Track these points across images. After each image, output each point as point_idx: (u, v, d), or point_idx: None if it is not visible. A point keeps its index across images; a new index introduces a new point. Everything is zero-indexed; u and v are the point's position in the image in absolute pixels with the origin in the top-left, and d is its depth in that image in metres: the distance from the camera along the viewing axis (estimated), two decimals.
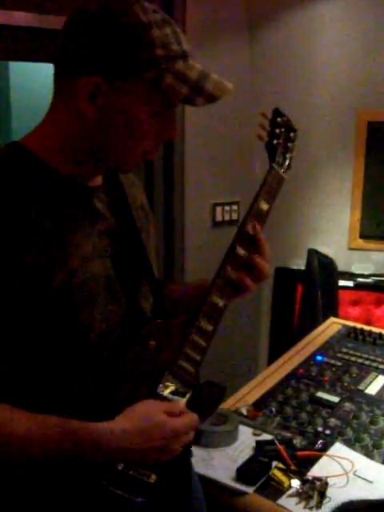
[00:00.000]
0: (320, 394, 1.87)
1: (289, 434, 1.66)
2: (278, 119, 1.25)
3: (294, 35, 3.13)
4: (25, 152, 1.05)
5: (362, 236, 3.19)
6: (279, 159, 1.26)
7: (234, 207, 3.18)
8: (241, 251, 1.18)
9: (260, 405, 1.83)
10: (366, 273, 3.19)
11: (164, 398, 1.08)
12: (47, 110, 1.09)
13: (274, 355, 2.82)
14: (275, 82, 3.18)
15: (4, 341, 0.99)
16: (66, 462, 1.00)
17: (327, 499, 1.42)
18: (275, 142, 1.25)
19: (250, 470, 1.50)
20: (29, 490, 1.03)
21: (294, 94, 3.12)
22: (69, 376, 1.03)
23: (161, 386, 1.09)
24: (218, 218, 3.14)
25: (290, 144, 1.28)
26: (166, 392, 1.09)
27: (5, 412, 0.98)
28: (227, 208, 3.15)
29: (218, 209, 3.13)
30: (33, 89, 4.96)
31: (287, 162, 1.28)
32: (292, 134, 1.28)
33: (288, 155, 1.28)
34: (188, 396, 1.11)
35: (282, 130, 1.26)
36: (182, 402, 1.11)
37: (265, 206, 1.22)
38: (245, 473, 1.49)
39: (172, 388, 1.10)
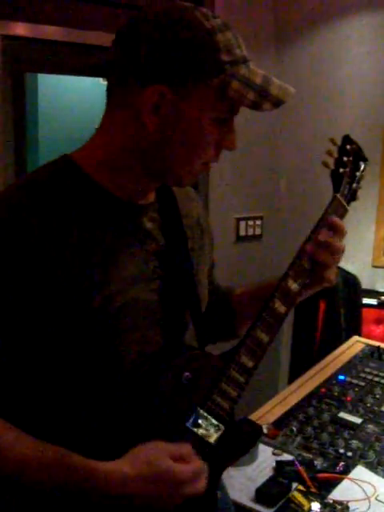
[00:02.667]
0: (342, 415, 1.83)
1: (310, 455, 1.63)
2: (348, 146, 1.20)
3: (321, 52, 3.13)
4: (73, 167, 1.02)
5: None
6: (344, 189, 1.20)
7: (258, 222, 3.17)
8: (292, 285, 1.12)
9: (280, 424, 1.81)
10: None
11: (193, 434, 1.03)
12: (99, 124, 1.05)
13: (294, 373, 2.79)
14: (301, 97, 3.16)
15: (33, 358, 0.96)
16: (63, 496, 0.94)
17: None
18: (342, 170, 1.20)
19: (270, 492, 1.47)
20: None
21: (321, 111, 3.11)
22: (95, 402, 1.00)
23: (191, 420, 1.03)
24: (242, 232, 3.13)
25: (357, 174, 1.23)
26: (197, 427, 1.03)
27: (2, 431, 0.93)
28: (251, 223, 3.14)
29: (242, 223, 3.12)
30: (60, 102, 5.03)
31: (352, 193, 1.22)
32: (361, 164, 1.23)
33: (354, 186, 1.22)
34: (220, 433, 1.06)
35: (350, 158, 1.20)
36: (212, 438, 1.05)
37: (325, 237, 1.14)
38: (264, 494, 1.46)
39: (204, 424, 1.04)
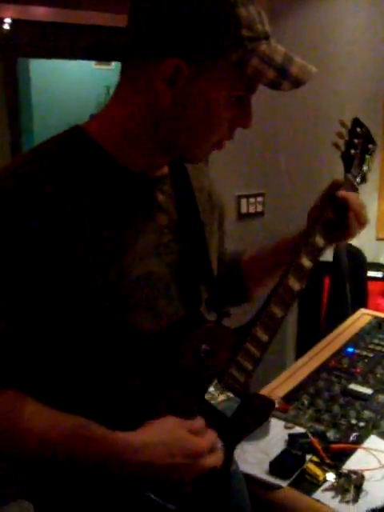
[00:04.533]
0: (353, 386, 1.83)
1: (322, 427, 1.63)
2: (358, 129, 1.21)
3: (316, 24, 3.09)
4: (85, 138, 0.99)
5: None
6: (355, 171, 1.21)
7: (259, 199, 3.14)
8: (305, 262, 1.14)
9: (291, 398, 1.80)
10: None
11: (211, 406, 1.03)
12: (112, 94, 1.02)
13: (301, 348, 2.79)
14: None
15: (48, 331, 0.94)
16: (82, 467, 0.94)
17: (364, 493, 1.38)
18: (352, 152, 1.21)
19: (284, 464, 1.48)
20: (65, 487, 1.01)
21: (319, 85, 3.07)
22: (114, 375, 0.99)
23: (209, 393, 1.04)
24: (243, 210, 3.11)
25: (367, 156, 1.23)
26: (214, 400, 1.04)
27: (13, 403, 0.93)
28: (252, 200, 3.12)
29: (243, 201, 3.10)
30: (53, 86, 4.99)
31: (362, 175, 1.23)
32: (370, 146, 1.24)
33: (364, 167, 1.24)
34: (235, 406, 1.07)
35: (361, 140, 1.22)
36: (229, 411, 1.06)
37: (333, 217, 1.17)
38: (278, 466, 1.47)
39: (221, 396, 1.05)
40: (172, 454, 0.94)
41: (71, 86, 5.01)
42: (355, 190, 1.20)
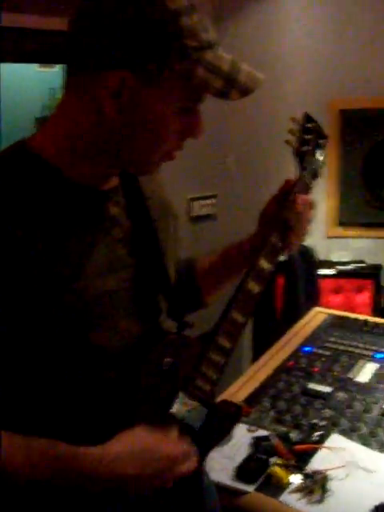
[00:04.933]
0: (312, 386, 1.85)
1: (284, 429, 1.64)
2: (309, 125, 1.19)
3: (262, 27, 3.12)
4: (29, 154, 0.96)
5: (339, 224, 3.20)
6: (308, 167, 1.20)
7: (211, 201, 3.15)
8: (264, 264, 1.13)
9: (252, 400, 1.81)
10: (345, 260, 3.20)
11: (178, 420, 1.02)
12: (55, 108, 1.00)
13: (258, 349, 2.80)
14: None
15: (8, 358, 0.92)
16: (55, 489, 0.92)
17: (330, 492, 1.40)
18: (305, 148, 1.19)
19: (249, 468, 1.48)
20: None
21: (265, 86, 3.10)
22: (79, 395, 0.97)
23: (175, 405, 1.03)
24: (195, 212, 3.11)
25: (319, 151, 1.22)
26: (180, 412, 1.03)
27: None
28: (204, 202, 3.12)
29: (195, 203, 3.10)
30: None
31: (315, 170, 1.22)
32: (322, 141, 1.22)
33: (317, 163, 1.22)
34: (203, 417, 1.06)
35: (312, 136, 1.20)
36: (196, 422, 1.05)
37: (291, 216, 1.16)
38: (244, 471, 1.47)
39: (186, 408, 1.03)
40: (146, 464, 0.94)
41: (14, 88, 4.89)
42: (308, 187, 1.20)
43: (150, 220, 1.11)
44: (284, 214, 1.16)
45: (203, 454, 1.10)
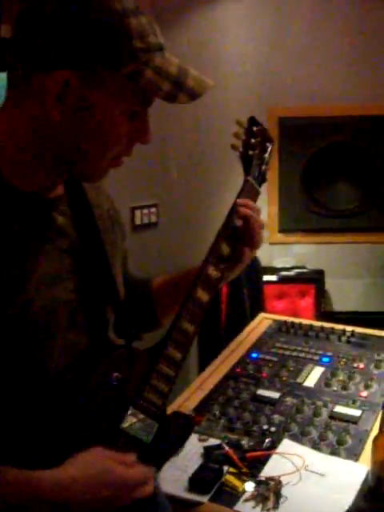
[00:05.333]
0: (260, 392, 1.85)
1: (235, 436, 1.63)
2: (254, 128, 1.18)
3: (200, 35, 3.14)
4: None
5: (280, 230, 3.24)
6: (254, 172, 1.18)
7: (153, 210, 3.13)
8: (213, 272, 1.11)
9: (202, 409, 1.79)
10: (287, 266, 3.24)
11: (128, 435, 0.99)
12: None
13: (204, 358, 2.79)
14: None
15: None
16: None
17: (283, 498, 1.39)
18: (251, 152, 1.18)
19: (202, 479, 1.46)
20: None
21: (207, 93, 3.12)
22: (26, 412, 0.92)
23: (125, 421, 0.99)
24: (137, 221, 3.09)
25: (265, 155, 1.21)
26: (131, 427, 0.99)
27: None
28: (146, 211, 3.10)
29: (137, 212, 3.07)
30: None
31: (262, 175, 1.21)
32: (268, 145, 1.21)
33: (263, 167, 1.21)
34: (155, 430, 1.02)
35: (258, 139, 1.18)
36: (148, 437, 1.02)
37: (239, 223, 1.14)
38: (197, 482, 1.44)
39: (137, 423, 1.00)
40: (102, 488, 0.90)
41: None
42: (256, 191, 1.19)
43: (97, 231, 1.07)
44: (231, 219, 1.14)
45: (157, 469, 1.07)
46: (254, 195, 1.18)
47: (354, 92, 3.12)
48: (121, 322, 1.08)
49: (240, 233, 1.15)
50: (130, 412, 0.99)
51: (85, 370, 0.97)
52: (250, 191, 1.17)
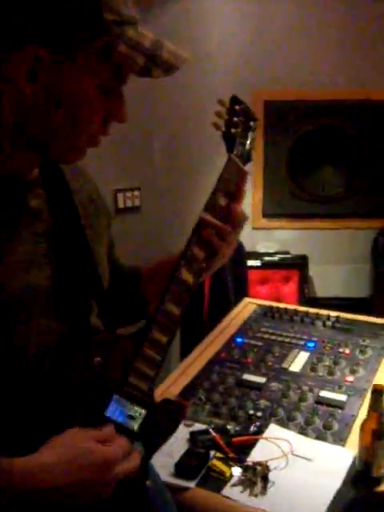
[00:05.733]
0: (246, 377, 1.84)
1: (221, 421, 1.62)
2: (236, 107, 1.14)
3: (185, 16, 3.08)
4: None
5: (264, 215, 3.22)
6: (238, 151, 1.14)
7: (136, 193, 3.08)
8: (198, 252, 1.06)
9: (187, 394, 1.77)
10: (271, 251, 3.22)
11: (115, 423, 0.94)
12: None
13: (186, 344, 2.77)
14: None
15: None
16: None
17: (271, 483, 1.38)
18: (233, 131, 1.14)
19: (189, 464, 1.44)
20: None
21: (188, 76, 3.07)
22: (4, 401, 0.88)
23: (110, 409, 0.93)
24: (120, 204, 3.04)
25: (249, 134, 1.17)
26: (117, 415, 0.94)
27: None
28: (129, 194, 3.05)
29: (120, 195, 3.03)
30: None
31: (246, 154, 1.16)
32: (252, 123, 1.17)
33: (248, 146, 1.17)
34: (142, 418, 0.97)
35: (241, 118, 1.15)
36: (135, 424, 0.97)
37: (223, 201, 1.09)
38: (183, 467, 1.43)
39: (123, 410, 0.95)
40: (81, 470, 0.85)
41: None
42: (241, 170, 1.14)
43: (76, 215, 1.03)
44: (219, 198, 1.09)
45: (146, 458, 1.02)
46: (239, 173, 1.13)
47: (340, 76, 3.10)
48: (104, 309, 1.05)
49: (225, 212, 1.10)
50: (114, 398, 0.94)
51: (64, 357, 0.93)
52: (233, 169, 1.12)
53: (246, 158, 1.17)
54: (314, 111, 3.08)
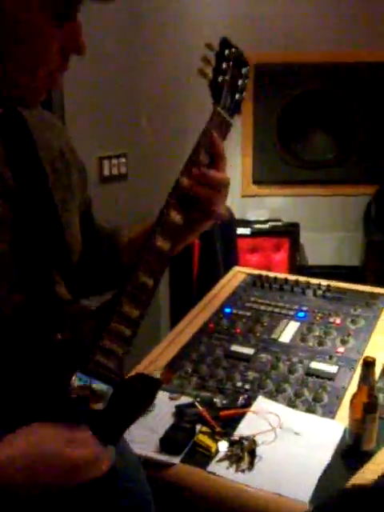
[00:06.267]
0: (234, 348, 1.79)
1: (208, 394, 1.57)
2: (226, 51, 1.03)
3: None
4: None
5: (254, 182, 3.14)
6: (226, 101, 1.04)
7: (122, 160, 2.99)
8: (175, 217, 0.96)
9: (174, 366, 1.72)
10: (261, 219, 3.15)
11: (78, 402, 0.87)
12: None
13: (176, 313, 2.72)
14: (157, 25, 2.98)
15: None
16: None
17: (258, 458, 1.34)
18: (221, 79, 1.03)
19: (174, 439, 1.40)
20: None
21: (177, 37, 2.96)
22: None
23: (72, 387, 0.86)
24: (106, 172, 2.94)
25: (240, 82, 1.06)
26: (80, 394, 0.87)
27: None
28: (115, 161, 2.96)
29: (105, 162, 2.93)
30: None
31: (235, 104, 1.06)
32: (243, 70, 1.06)
33: (237, 96, 1.06)
34: (108, 397, 0.90)
35: (231, 64, 1.04)
36: (100, 404, 0.89)
37: (205, 159, 0.99)
38: (168, 442, 1.38)
39: (87, 389, 0.88)
40: (44, 471, 0.80)
41: None
42: (227, 123, 1.04)
43: (42, 173, 0.95)
44: (198, 155, 0.99)
45: (114, 439, 0.95)
46: (225, 127, 1.04)
47: (332, 38, 2.99)
48: (68, 279, 0.97)
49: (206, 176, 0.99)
50: (77, 377, 0.87)
51: (26, 333, 0.86)
52: (219, 123, 1.02)
53: (234, 109, 1.06)
54: (304, 75, 2.97)
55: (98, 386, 0.89)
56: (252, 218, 3.18)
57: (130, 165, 3.04)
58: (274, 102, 3.01)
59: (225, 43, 1.03)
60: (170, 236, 0.96)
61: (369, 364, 1.31)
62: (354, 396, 1.35)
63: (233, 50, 1.03)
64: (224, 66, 1.03)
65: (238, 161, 3.14)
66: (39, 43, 0.81)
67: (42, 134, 0.98)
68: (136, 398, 0.97)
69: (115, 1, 0.83)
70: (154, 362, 1.77)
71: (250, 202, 3.18)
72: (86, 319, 0.92)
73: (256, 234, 3.09)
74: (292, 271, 3.06)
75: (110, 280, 1.22)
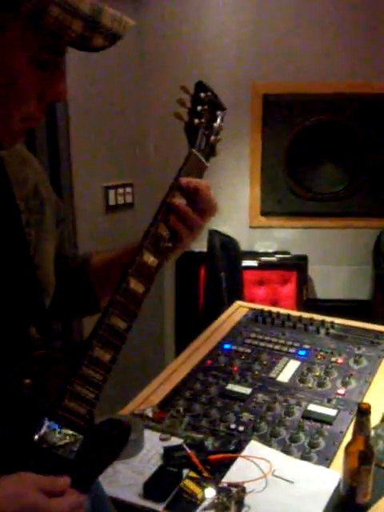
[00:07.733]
0: (230, 387, 1.73)
1: (200, 436, 1.51)
2: (201, 94, 1.04)
3: (183, 5, 2.95)
4: None
5: (262, 213, 3.09)
6: (201, 143, 1.04)
7: (128, 189, 2.97)
8: (149, 259, 0.95)
9: (167, 404, 1.66)
10: (269, 251, 3.10)
11: (46, 451, 0.84)
12: None
13: (182, 347, 2.66)
14: (166, 54, 2.98)
15: None
16: None
17: (246, 508, 1.27)
18: (196, 121, 1.04)
19: (159, 484, 1.33)
20: None
21: (186, 68, 2.95)
22: None
23: (39, 436, 0.84)
24: (112, 201, 2.92)
25: (215, 125, 1.07)
26: (48, 443, 0.84)
27: None
28: (121, 191, 2.93)
29: (111, 192, 2.91)
30: None
31: (210, 147, 1.06)
32: (218, 113, 1.07)
33: (212, 138, 1.06)
34: (78, 444, 0.87)
35: (206, 107, 1.05)
36: (70, 452, 0.86)
37: (179, 201, 0.99)
38: (153, 487, 1.32)
39: (56, 437, 0.85)
40: None
41: None
42: (203, 165, 1.04)
43: (16, 212, 0.93)
44: (168, 198, 0.99)
45: (86, 486, 0.90)
46: (200, 170, 1.04)
47: (342, 69, 2.95)
48: (39, 321, 0.94)
49: (178, 212, 0.99)
50: (45, 424, 0.84)
51: None
52: (194, 165, 1.02)
53: (210, 152, 1.06)
54: (314, 105, 2.93)
55: (67, 432, 0.86)
56: (260, 250, 3.12)
57: (136, 194, 3.01)
58: (283, 133, 2.97)
59: (200, 86, 1.04)
60: (144, 278, 0.94)
61: (364, 412, 1.23)
62: (349, 445, 1.28)
63: (208, 93, 1.04)
64: (199, 108, 1.03)
65: (246, 191, 3.10)
66: (16, 90, 0.79)
67: (17, 170, 0.97)
68: (107, 444, 0.93)
69: (114, 45, 0.81)
70: (148, 399, 1.71)
71: (258, 234, 3.13)
72: (56, 363, 0.89)
73: (263, 266, 3.03)
74: (299, 305, 2.98)
75: (81, 306, 1.20)
